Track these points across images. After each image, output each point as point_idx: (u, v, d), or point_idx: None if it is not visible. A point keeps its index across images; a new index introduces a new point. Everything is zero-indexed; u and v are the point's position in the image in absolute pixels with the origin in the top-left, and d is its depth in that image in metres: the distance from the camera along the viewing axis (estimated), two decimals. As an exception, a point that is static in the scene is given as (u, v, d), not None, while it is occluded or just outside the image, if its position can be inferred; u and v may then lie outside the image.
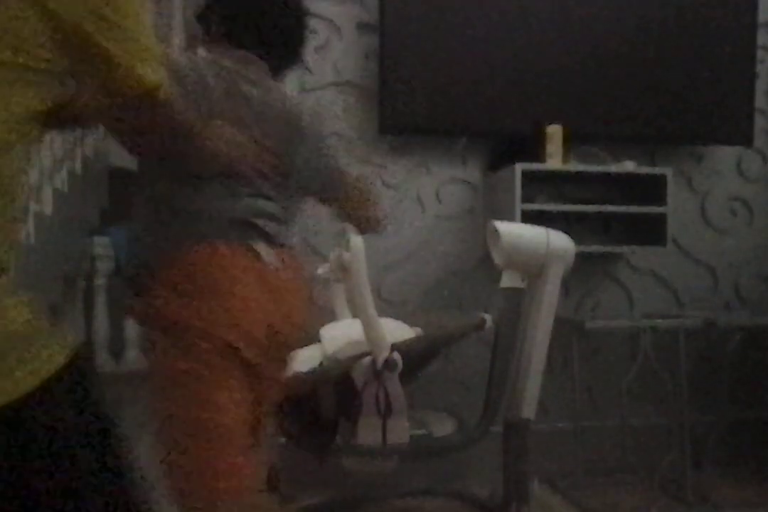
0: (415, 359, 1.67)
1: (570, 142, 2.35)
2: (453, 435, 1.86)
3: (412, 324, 1.82)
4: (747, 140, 2.58)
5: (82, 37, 0.71)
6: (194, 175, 1.24)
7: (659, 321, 2.37)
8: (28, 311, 0.70)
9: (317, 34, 2.40)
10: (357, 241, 1.53)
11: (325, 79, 2.42)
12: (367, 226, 1.52)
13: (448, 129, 2.43)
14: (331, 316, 2.00)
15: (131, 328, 2.10)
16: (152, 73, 0.79)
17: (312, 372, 1.64)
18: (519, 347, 1.84)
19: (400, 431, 1.63)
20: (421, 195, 2.49)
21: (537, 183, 2.37)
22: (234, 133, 1.23)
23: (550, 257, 1.79)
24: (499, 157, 2.47)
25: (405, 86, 2.34)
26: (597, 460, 2.45)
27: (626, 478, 2.41)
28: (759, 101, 2.64)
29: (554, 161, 2.32)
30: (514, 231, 1.83)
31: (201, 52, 1.40)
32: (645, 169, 2.46)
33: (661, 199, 2.38)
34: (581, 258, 1.93)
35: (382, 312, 1.63)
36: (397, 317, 1.86)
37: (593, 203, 2.43)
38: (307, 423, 1.75)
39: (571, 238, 1.86)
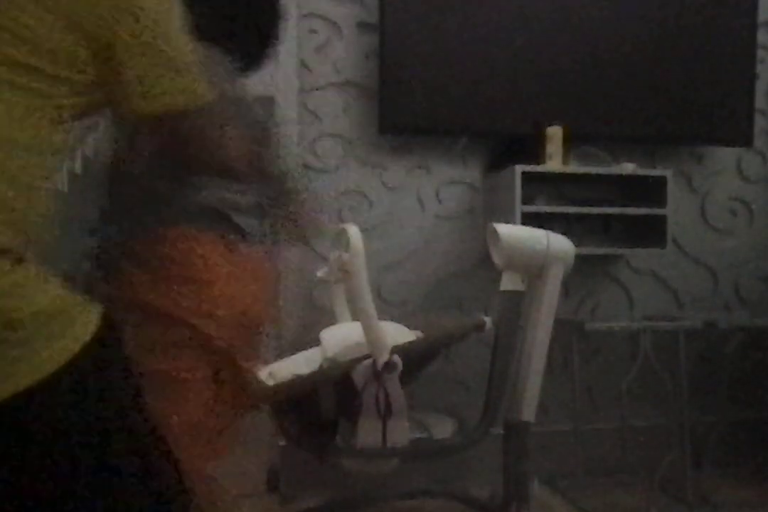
0: (415, 360, 1.67)
1: (570, 142, 2.34)
2: (453, 436, 1.86)
3: (411, 325, 1.82)
4: (747, 141, 2.58)
5: (109, 57, 0.77)
6: (184, 169, 1.25)
7: (659, 322, 2.37)
8: (53, 287, 0.72)
9: (317, 34, 2.40)
10: (357, 241, 1.53)
11: (325, 79, 2.42)
12: (297, 235, 1.48)
13: (448, 129, 2.43)
14: (331, 318, 2.00)
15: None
16: (147, 105, 0.84)
17: (312, 375, 1.64)
18: (519, 348, 1.84)
19: (400, 432, 1.63)
20: (421, 195, 2.49)
21: (537, 184, 2.36)
22: (236, 134, 1.23)
23: (550, 259, 1.79)
24: (499, 158, 2.47)
25: (405, 86, 2.34)
26: (597, 460, 2.45)
27: (626, 478, 2.41)
28: (759, 101, 2.63)
29: (554, 162, 2.32)
30: (513, 232, 1.83)
31: None
32: (645, 171, 2.46)
33: (661, 201, 2.37)
34: (581, 259, 1.93)
35: (382, 313, 1.63)
36: (397, 318, 1.86)
37: (593, 204, 2.42)
38: (307, 424, 1.75)
39: (571, 239, 1.86)
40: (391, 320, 1.81)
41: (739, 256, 2.72)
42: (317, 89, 2.41)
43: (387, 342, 1.57)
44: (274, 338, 2.42)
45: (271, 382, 1.68)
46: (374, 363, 1.56)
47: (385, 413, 1.59)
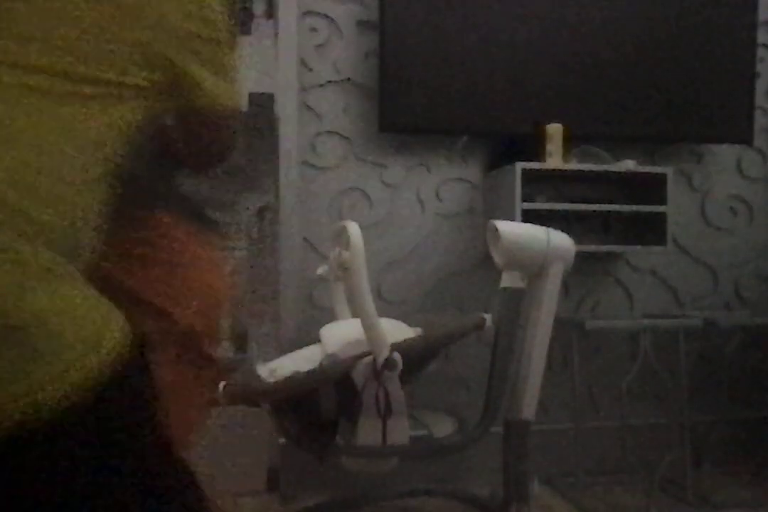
0: (415, 359, 1.66)
1: (570, 141, 2.34)
2: (453, 435, 1.85)
3: (412, 324, 1.82)
4: (747, 139, 2.58)
5: (170, 64, 0.83)
6: (176, 163, 1.26)
7: (659, 320, 2.37)
8: (84, 297, 0.71)
9: (317, 32, 2.40)
10: (357, 239, 1.53)
11: (325, 78, 2.41)
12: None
13: (448, 128, 2.42)
14: (330, 316, 1.99)
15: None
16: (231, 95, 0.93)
17: (312, 372, 1.63)
18: (519, 347, 1.84)
19: (400, 431, 1.62)
20: (421, 194, 2.48)
21: (537, 182, 2.36)
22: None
23: (551, 256, 1.79)
24: (500, 156, 2.46)
25: (405, 84, 2.34)
26: (597, 460, 2.45)
27: (626, 478, 2.41)
28: (759, 100, 2.63)
29: (554, 160, 2.32)
30: (514, 230, 1.82)
31: None
32: (645, 168, 2.45)
33: (661, 199, 2.37)
34: (581, 257, 1.93)
35: (382, 312, 1.62)
36: (397, 317, 1.86)
37: (593, 202, 2.42)
38: (307, 423, 1.74)
39: (571, 237, 1.85)
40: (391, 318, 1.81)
41: (740, 254, 2.72)
42: (320, 85, 2.41)
43: (387, 339, 1.57)
44: (273, 337, 2.43)
45: (272, 380, 1.68)
46: (374, 361, 1.56)
47: (385, 412, 1.58)
